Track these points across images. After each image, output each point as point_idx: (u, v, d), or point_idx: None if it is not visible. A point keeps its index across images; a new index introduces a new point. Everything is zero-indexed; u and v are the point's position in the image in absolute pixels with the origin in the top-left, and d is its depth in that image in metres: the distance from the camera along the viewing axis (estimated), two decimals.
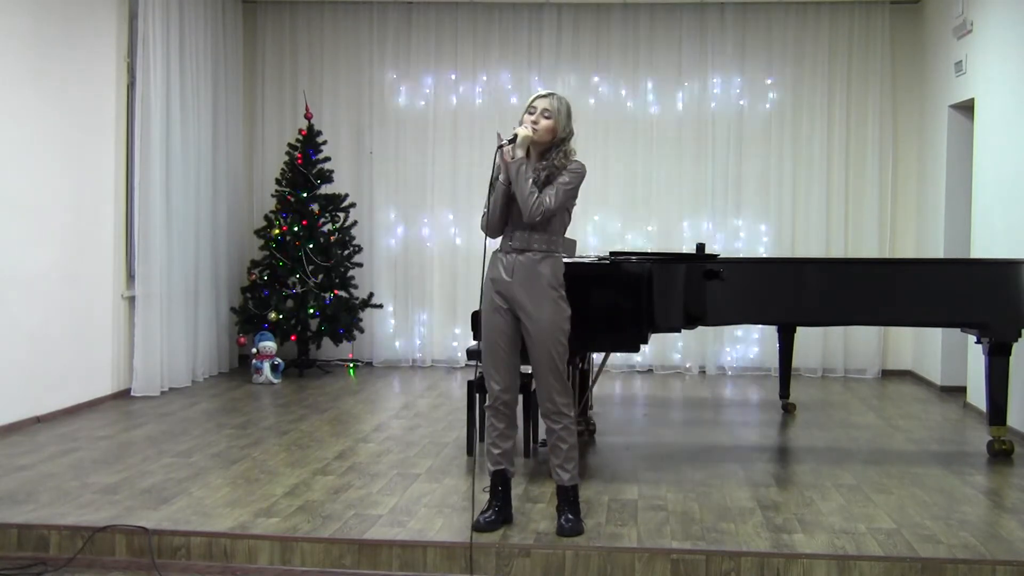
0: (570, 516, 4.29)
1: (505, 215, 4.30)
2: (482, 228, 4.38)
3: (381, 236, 9.23)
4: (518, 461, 5.01)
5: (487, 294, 4.34)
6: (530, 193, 4.16)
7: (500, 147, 4.18)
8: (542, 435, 5.52)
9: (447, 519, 4.46)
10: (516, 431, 4.48)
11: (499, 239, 4.38)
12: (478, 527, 4.28)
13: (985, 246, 7.11)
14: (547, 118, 4.23)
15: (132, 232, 7.43)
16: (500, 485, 4.41)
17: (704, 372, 9.07)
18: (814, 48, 8.96)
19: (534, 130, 4.22)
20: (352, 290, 8.67)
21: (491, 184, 4.27)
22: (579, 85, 9.07)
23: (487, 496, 4.43)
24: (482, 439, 5.97)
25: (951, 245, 7.97)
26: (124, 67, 7.38)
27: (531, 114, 4.25)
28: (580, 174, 4.28)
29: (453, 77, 9.18)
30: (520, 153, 4.19)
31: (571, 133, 4.32)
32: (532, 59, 9.13)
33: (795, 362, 7.52)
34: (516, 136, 4.18)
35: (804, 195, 9.00)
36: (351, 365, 8.91)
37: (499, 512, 4.38)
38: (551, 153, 4.27)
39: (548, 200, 4.18)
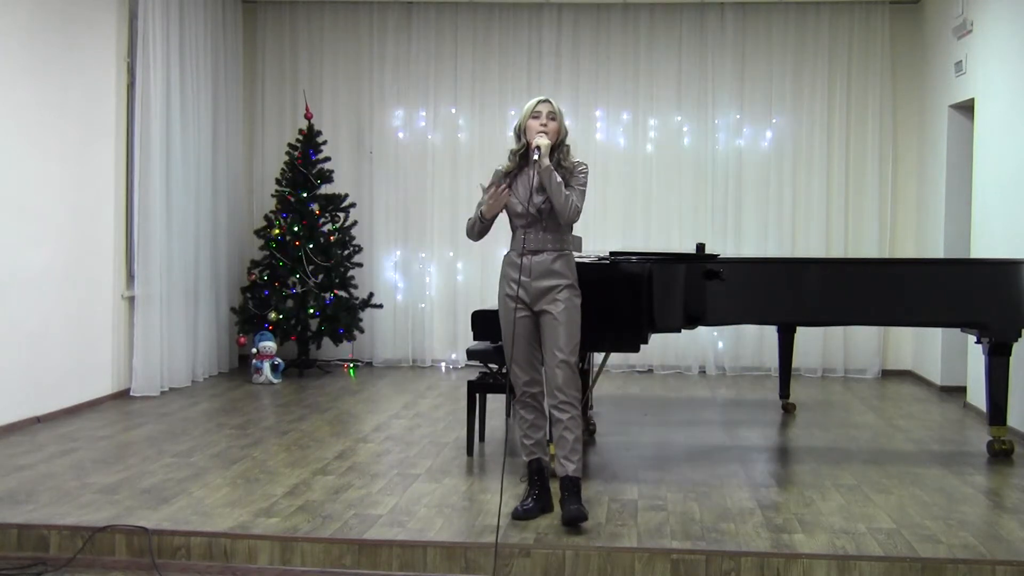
0: (573, 504, 4.32)
1: (488, 227, 4.54)
2: (468, 233, 4.60)
3: (381, 236, 9.23)
4: (517, 461, 5.01)
5: (504, 294, 4.48)
6: (566, 198, 4.34)
7: (535, 160, 4.34)
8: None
9: (447, 519, 4.47)
10: (546, 421, 4.59)
11: (487, 239, 4.68)
12: (517, 515, 4.42)
13: (985, 246, 7.11)
14: (552, 119, 4.42)
15: (132, 232, 7.43)
16: (536, 474, 4.54)
17: (704, 372, 9.07)
18: (814, 48, 8.96)
19: (546, 135, 4.40)
20: (352, 290, 8.67)
21: (479, 204, 4.48)
22: (579, 84, 9.08)
23: (524, 485, 4.59)
24: (482, 439, 6.00)
25: (951, 245, 7.98)
26: (124, 67, 7.38)
27: (536, 118, 4.42)
28: (587, 173, 4.53)
29: (453, 77, 9.18)
30: (547, 162, 4.35)
31: (567, 132, 4.53)
32: (532, 59, 9.13)
33: (795, 362, 7.53)
34: (539, 148, 4.34)
35: (804, 195, 9.00)
36: (351, 365, 8.91)
37: (537, 500, 4.50)
38: (556, 153, 4.45)
39: (578, 203, 4.40)
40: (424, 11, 9.16)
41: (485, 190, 4.44)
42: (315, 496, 4.78)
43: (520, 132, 4.47)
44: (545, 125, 4.38)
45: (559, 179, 4.34)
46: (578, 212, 4.40)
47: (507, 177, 4.50)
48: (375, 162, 9.21)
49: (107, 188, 7.20)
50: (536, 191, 4.39)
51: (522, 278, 4.40)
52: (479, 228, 4.52)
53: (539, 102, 4.44)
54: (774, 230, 9.01)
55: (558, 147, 4.45)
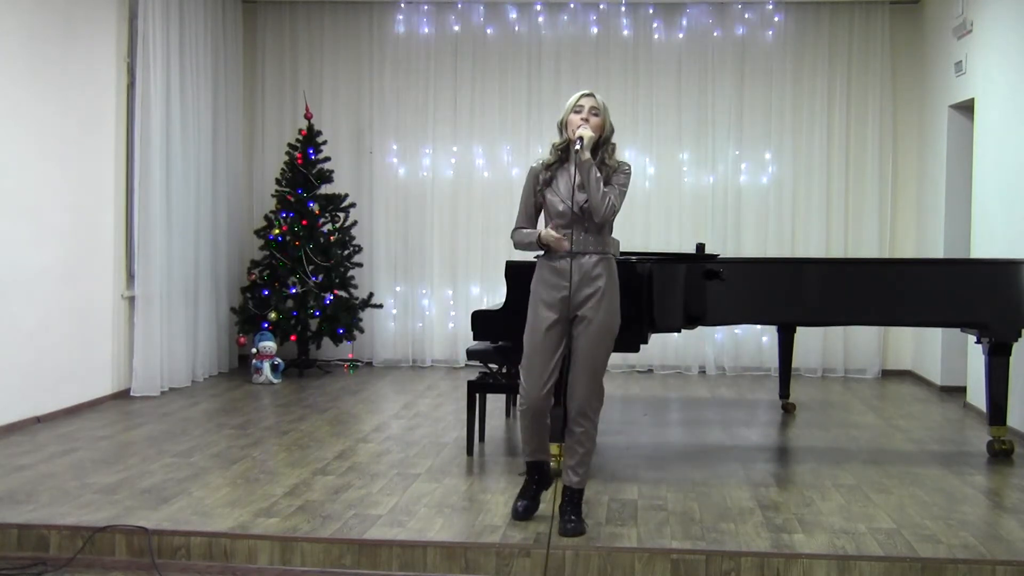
0: (572, 517, 4.30)
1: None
2: (513, 238, 4.45)
3: (381, 236, 9.23)
4: (517, 461, 5.01)
5: (536, 300, 4.35)
6: (603, 195, 4.20)
7: (576, 151, 4.20)
8: None
9: (447, 519, 4.47)
10: (548, 430, 4.50)
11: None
12: (516, 515, 4.42)
13: (985, 246, 7.11)
14: (595, 115, 4.27)
15: (132, 232, 7.43)
16: (536, 472, 4.52)
17: (704, 372, 9.07)
18: (814, 48, 8.97)
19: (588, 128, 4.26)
20: (352, 290, 8.67)
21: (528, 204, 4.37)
22: (578, 85, 9.07)
23: (523, 484, 4.55)
24: (482, 439, 6.01)
25: (951, 245, 7.98)
26: (124, 67, 7.38)
27: (578, 112, 4.27)
28: (630, 175, 4.37)
29: (453, 76, 9.19)
30: (587, 155, 4.21)
31: (613, 129, 4.37)
32: (532, 60, 9.12)
33: (795, 362, 7.53)
34: (582, 139, 4.20)
35: (804, 195, 9.00)
36: (351, 365, 8.91)
37: (535, 499, 4.50)
38: (600, 151, 4.31)
39: (615, 202, 4.25)
40: (424, 11, 9.15)
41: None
42: (315, 496, 4.78)
43: (562, 127, 4.33)
44: (587, 120, 4.23)
45: (599, 174, 4.20)
46: (614, 211, 4.23)
47: (547, 170, 4.36)
48: (375, 161, 9.22)
49: (107, 188, 7.20)
50: (579, 188, 4.23)
51: (561, 282, 4.24)
52: (532, 249, 4.39)
53: (582, 96, 4.29)
54: (774, 230, 9.01)
55: (602, 145, 4.30)
